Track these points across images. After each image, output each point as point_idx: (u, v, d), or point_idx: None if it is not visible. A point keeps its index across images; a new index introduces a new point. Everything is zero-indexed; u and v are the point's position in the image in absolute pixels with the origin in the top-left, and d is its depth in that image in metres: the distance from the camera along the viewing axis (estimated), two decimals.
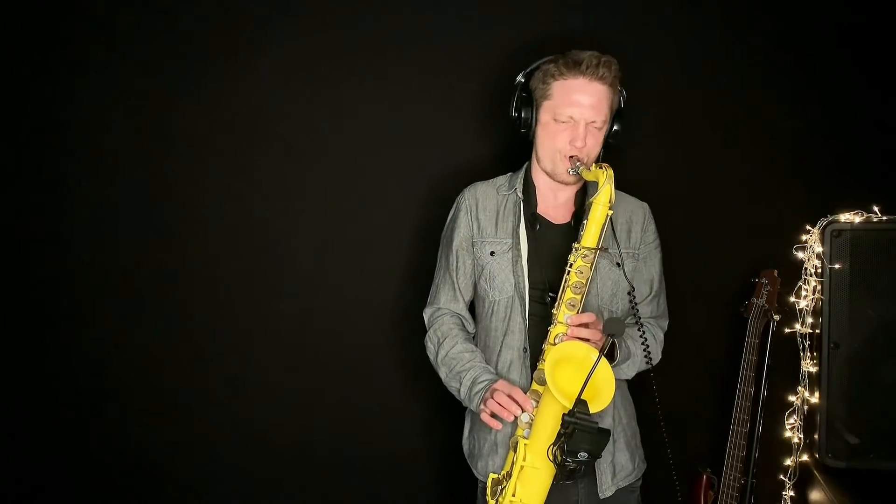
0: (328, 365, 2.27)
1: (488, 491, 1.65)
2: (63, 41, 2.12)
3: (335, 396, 2.28)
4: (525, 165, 1.87)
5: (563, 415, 1.41)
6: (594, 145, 1.72)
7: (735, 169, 2.23)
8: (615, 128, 1.78)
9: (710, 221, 2.24)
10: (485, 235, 1.82)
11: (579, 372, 1.45)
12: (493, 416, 1.63)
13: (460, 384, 1.75)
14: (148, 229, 2.19)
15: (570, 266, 1.63)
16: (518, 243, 1.78)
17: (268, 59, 2.16)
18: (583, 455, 1.40)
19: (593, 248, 1.61)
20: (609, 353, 1.69)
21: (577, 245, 1.62)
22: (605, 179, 1.60)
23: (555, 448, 1.45)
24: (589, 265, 1.62)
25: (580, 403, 1.40)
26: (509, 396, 1.61)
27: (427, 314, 1.89)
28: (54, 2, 2.11)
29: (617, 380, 1.78)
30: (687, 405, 2.29)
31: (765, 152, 2.22)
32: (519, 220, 1.80)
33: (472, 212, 1.84)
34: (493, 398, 1.62)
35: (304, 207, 2.23)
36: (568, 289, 1.63)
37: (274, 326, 2.25)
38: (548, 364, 1.52)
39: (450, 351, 1.80)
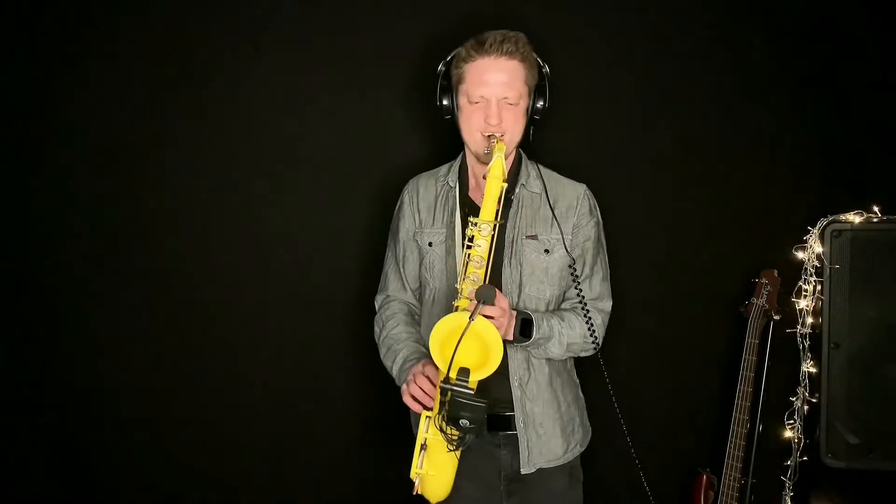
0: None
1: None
2: (60, 41, 2.13)
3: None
4: (462, 153, 1.88)
5: (440, 382, 1.43)
6: (511, 121, 1.70)
7: (735, 169, 2.23)
8: (539, 104, 1.76)
9: (710, 221, 2.24)
10: (424, 226, 1.84)
11: (472, 342, 1.44)
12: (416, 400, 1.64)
13: (393, 362, 1.78)
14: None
15: (470, 241, 1.61)
16: (453, 234, 1.80)
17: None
18: (464, 423, 1.42)
19: (491, 222, 1.59)
20: (524, 331, 1.68)
21: (473, 219, 1.60)
22: (496, 151, 1.61)
23: (438, 417, 1.47)
24: (487, 238, 1.59)
25: (461, 371, 1.42)
26: (424, 374, 1.62)
27: (378, 300, 1.93)
28: (53, 1, 2.11)
29: (558, 363, 1.82)
30: (687, 405, 2.30)
31: (765, 152, 2.22)
32: (454, 210, 1.82)
33: (414, 203, 1.87)
34: (415, 381, 1.63)
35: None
36: (469, 263, 1.60)
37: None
38: (433, 337, 1.50)
39: (390, 332, 1.83)
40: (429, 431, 1.58)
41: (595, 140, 2.23)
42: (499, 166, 1.59)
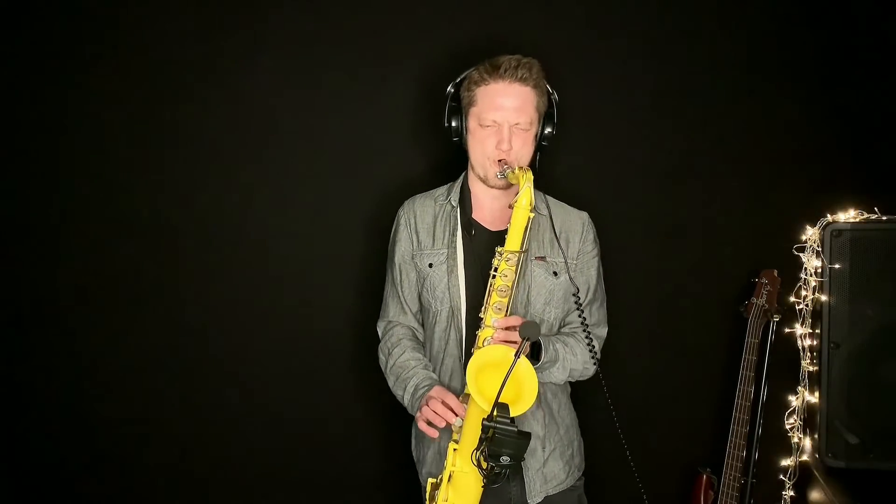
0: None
1: (426, 495, 1.65)
2: (58, 40, 2.13)
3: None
4: (463, 174, 1.88)
5: (483, 420, 1.41)
6: (521, 147, 1.72)
7: (735, 169, 2.23)
8: (547, 130, 1.79)
9: (710, 221, 2.24)
10: (423, 248, 1.83)
11: (501, 375, 1.43)
12: (430, 424, 1.63)
13: (404, 391, 1.76)
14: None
15: (495, 270, 1.62)
16: (454, 253, 1.79)
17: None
18: (505, 459, 1.40)
19: (517, 252, 1.61)
20: (534, 355, 1.69)
21: (500, 249, 1.62)
22: (524, 182, 1.60)
23: (478, 453, 1.45)
24: (513, 268, 1.61)
25: (500, 407, 1.40)
26: (443, 403, 1.62)
27: (380, 327, 1.92)
28: (52, 1, 2.11)
29: (557, 386, 1.83)
30: (687, 405, 2.30)
31: (765, 152, 2.22)
32: (455, 230, 1.81)
33: (412, 225, 1.85)
34: (427, 405, 1.63)
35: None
36: (494, 293, 1.62)
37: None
38: (470, 369, 1.51)
39: (398, 360, 1.81)
40: (456, 465, 1.56)
41: (596, 139, 2.23)
42: (527, 196, 1.59)
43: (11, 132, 2.15)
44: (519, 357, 1.43)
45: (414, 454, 1.91)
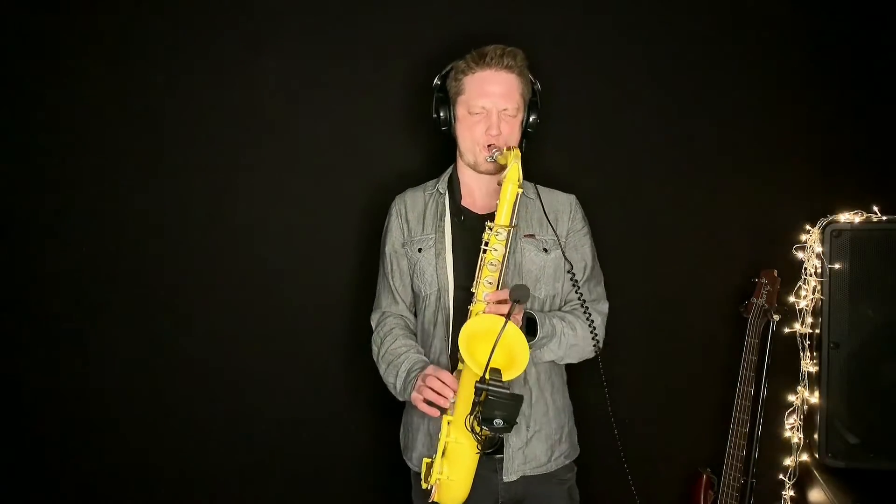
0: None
1: (422, 475, 1.65)
2: (56, 38, 2.13)
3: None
4: (451, 165, 1.91)
5: (476, 382, 1.43)
6: (510, 132, 1.77)
7: (735, 169, 2.23)
8: (532, 118, 1.83)
9: (709, 221, 2.24)
10: (413, 235, 1.86)
11: (492, 343, 1.45)
12: (429, 403, 1.64)
13: (396, 377, 1.77)
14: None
15: (486, 245, 1.65)
16: (442, 237, 1.83)
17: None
18: (498, 422, 1.43)
19: (506, 227, 1.63)
20: (530, 330, 1.70)
21: (490, 224, 1.65)
22: (512, 159, 1.64)
23: (471, 418, 1.47)
24: (503, 243, 1.64)
25: (492, 371, 1.43)
26: (439, 379, 1.63)
27: (374, 319, 1.93)
28: (51, 1, 2.11)
29: (550, 369, 1.83)
30: (687, 405, 2.30)
31: (765, 152, 2.22)
32: (443, 215, 1.85)
33: (403, 215, 1.89)
34: (425, 384, 1.64)
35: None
36: (485, 267, 1.64)
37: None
38: (462, 337, 1.53)
39: (389, 347, 1.82)
40: (450, 436, 1.58)
41: (597, 139, 2.24)
42: (515, 172, 1.63)
43: (10, 130, 2.15)
44: (510, 318, 1.45)
45: (402, 442, 1.91)
